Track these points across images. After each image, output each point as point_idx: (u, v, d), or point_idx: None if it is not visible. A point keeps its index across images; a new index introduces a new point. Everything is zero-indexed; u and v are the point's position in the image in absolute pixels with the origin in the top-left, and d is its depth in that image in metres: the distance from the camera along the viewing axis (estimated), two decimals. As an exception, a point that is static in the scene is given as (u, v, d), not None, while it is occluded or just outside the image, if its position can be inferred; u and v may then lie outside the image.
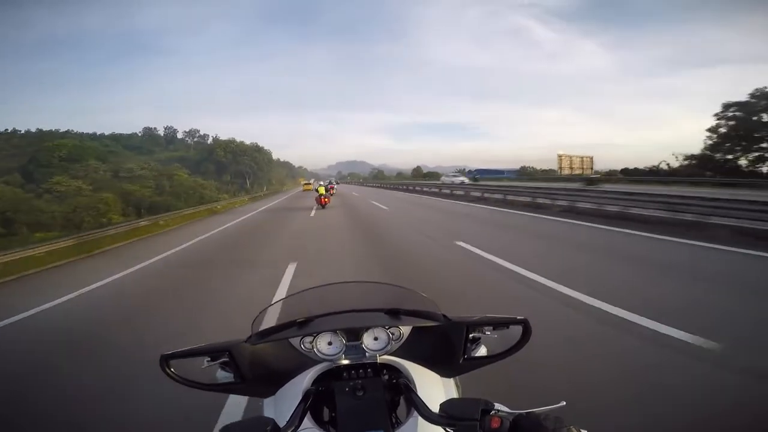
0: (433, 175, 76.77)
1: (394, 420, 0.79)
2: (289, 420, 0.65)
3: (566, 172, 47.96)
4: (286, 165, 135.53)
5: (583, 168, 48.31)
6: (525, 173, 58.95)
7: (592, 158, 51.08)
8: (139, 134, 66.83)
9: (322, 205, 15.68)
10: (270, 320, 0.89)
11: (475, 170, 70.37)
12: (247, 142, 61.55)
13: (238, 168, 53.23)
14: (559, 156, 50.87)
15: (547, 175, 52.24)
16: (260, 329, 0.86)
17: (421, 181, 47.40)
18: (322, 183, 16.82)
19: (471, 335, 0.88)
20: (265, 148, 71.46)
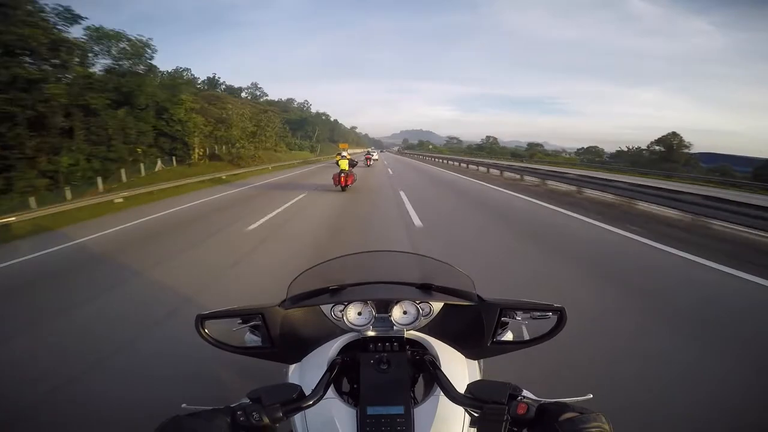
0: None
1: (412, 396, 0.78)
2: (315, 388, 0.66)
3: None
4: (324, 120, 72.58)
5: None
6: None
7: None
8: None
9: (343, 187, 11.37)
10: (304, 286, 0.90)
11: (700, 154, 41.05)
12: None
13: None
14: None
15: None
16: (294, 294, 0.87)
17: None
18: (344, 154, 12.32)
19: (502, 319, 0.86)
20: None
